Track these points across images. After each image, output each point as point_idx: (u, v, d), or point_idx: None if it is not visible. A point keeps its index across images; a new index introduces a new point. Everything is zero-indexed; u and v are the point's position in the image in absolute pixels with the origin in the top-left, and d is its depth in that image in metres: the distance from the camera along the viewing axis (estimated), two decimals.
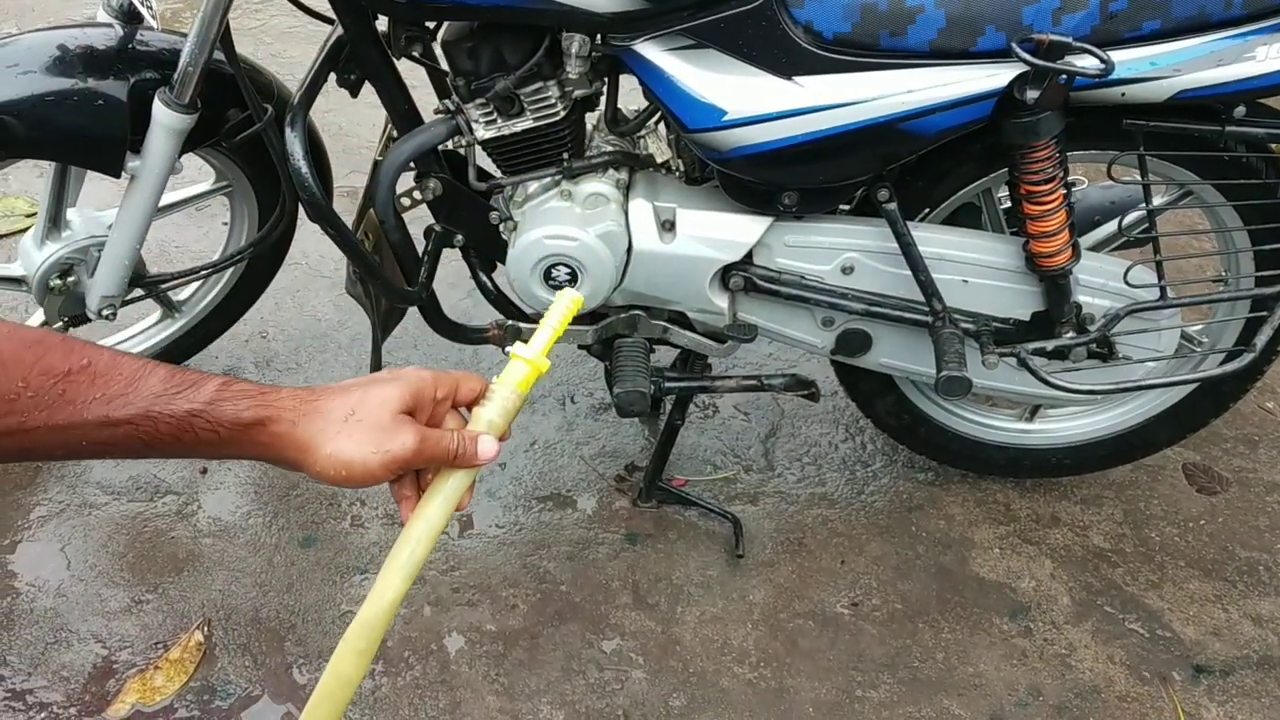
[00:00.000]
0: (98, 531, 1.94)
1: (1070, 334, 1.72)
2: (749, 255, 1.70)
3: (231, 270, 2.08)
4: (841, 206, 1.72)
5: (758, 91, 1.51)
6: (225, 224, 2.14)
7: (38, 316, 1.93)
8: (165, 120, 1.64)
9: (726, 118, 1.53)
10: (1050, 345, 1.71)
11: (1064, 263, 1.64)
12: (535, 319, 1.83)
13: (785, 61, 1.50)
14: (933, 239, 1.68)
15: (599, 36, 1.56)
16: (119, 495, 2.01)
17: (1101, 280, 1.71)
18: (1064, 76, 1.44)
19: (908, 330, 1.74)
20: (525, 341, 0.92)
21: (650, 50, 1.52)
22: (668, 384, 1.85)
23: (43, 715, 1.67)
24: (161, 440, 0.78)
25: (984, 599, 1.92)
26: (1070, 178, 1.64)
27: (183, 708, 1.69)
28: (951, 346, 1.66)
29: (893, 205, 1.63)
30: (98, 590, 1.84)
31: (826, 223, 1.70)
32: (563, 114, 1.63)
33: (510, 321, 1.82)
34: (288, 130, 1.54)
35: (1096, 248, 1.83)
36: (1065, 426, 2.04)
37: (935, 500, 2.09)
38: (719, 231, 1.69)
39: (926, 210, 1.71)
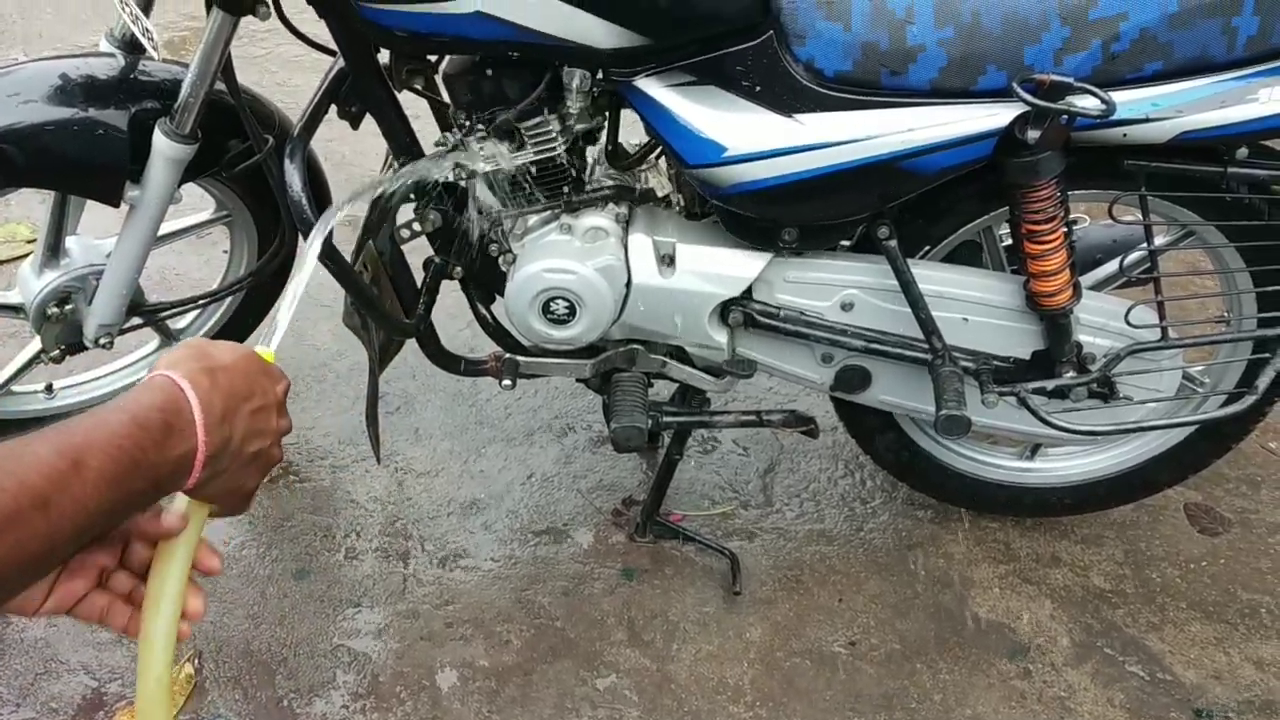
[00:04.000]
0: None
1: (1071, 373, 1.71)
2: (748, 291, 1.70)
3: (230, 299, 2.08)
4: (842, 243, 1.71)
5: (758, 128, 1.51)
6: (226, 252, 2.14)
7: (34, 345, 1.93)
8: (165, 150, 1.64)
9: (726, 154, 1.52)
10: (1050, 385, 1.70)
11: (1064, 302, 1.63)
12: (534, 351, 1.82)
13: (786, 99, 1.50)
14: (933, 276, 1.67)
15: (600, 71, 1.56)
16: None
17: (1102, 320, 1.70)
18: (1065, 117, 1.44)
19: (907, 367, 1.73)
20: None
21: (651, 86, 1.52)
22: (666, 418, 1.83)
23: None
24: None
25: (983, 639, 1.90)
26: (1071, 216, 1.63)
27: None
28: (951, 385, 1.65)
29: (893, 242, 1.62)
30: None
31: (826, 259, 1.69)
32: (563, 148, 1.63)
33: (508, 355, 1.81)
34: (286, 161, 1.54)
35: (1098, 287, 1.82)
36: (1066, 465, 2.03)
37: (935, 538, 2.07)
38: (718, 267, 1.68)
39: (927, 248, 1.71)
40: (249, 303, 2.11)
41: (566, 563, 1.99)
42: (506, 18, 1.44)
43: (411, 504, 2.08)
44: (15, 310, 1.88)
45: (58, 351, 1.87)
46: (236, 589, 1.90)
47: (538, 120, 1.60)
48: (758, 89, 1.50)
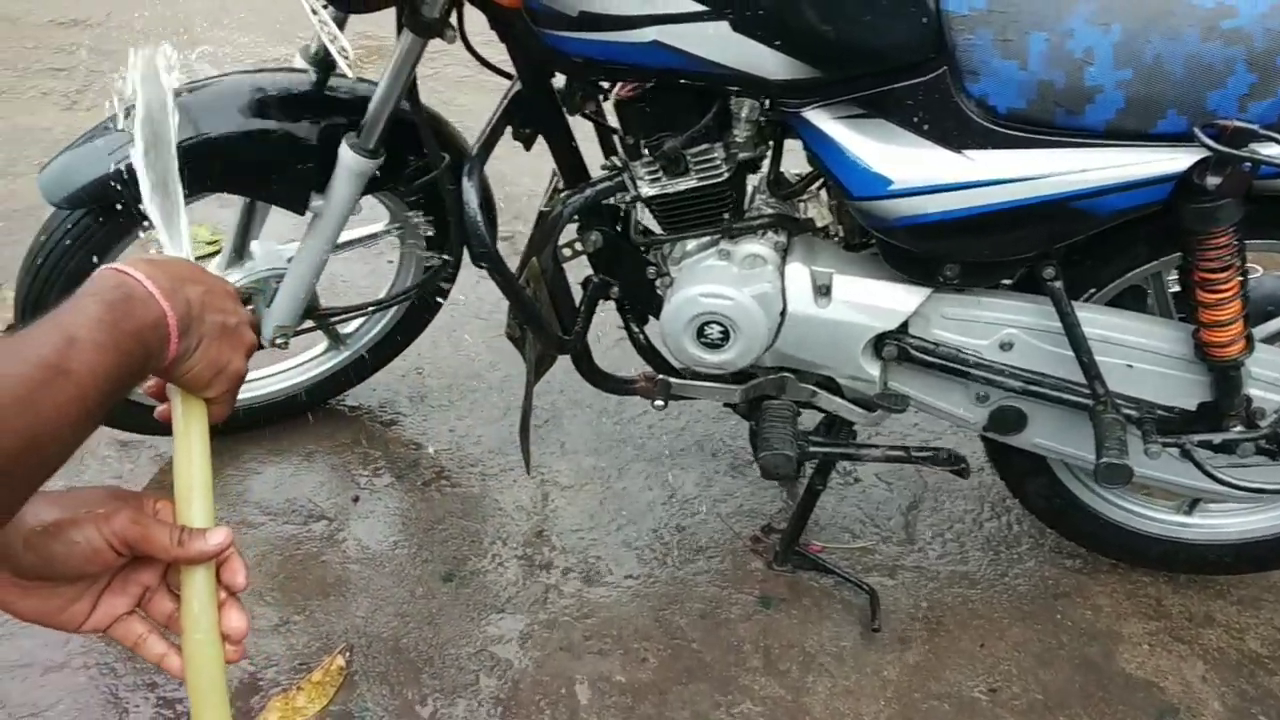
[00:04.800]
0: (253, 550, 2.02)
1: (1239, 428, 1.65)
2: (904, 325, 1.69)
3: (395, 308, 2.16)
4: (1003, 281, 1.70)
5: (926, 163, 1.51)
6: (391, 262, 2.23)
7: None
8: (350, 164, 1.73)
9: (892, 187, 1.53)
10: (1217, 439, 1.65)
11: (1236, 354, 1.58)
12: (685, 374, 1.85)
13: (956, 135, 1.49)
14: (1098, 320, 1.64)
15: (768, 101, 1.58)
16: (275, 516, 2.09)
17: (1275, 374, 1.64)
18: (1248, 164, 1.40)
19: (1066, 412, 1.70)
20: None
21: (819, 117, 1.54)
22: (811, 448, 1.84)
23: None
24: None
25: (1130, 696, 1.84)
26: (1246, 265, 1.58)
27: None
28: (1113, 433, 1.62)
29: (1058, 283, 1.60)
30: (265, 604, 1.92)
31: (987, 297, 1.68)
32: (726, 175, 1.66)
33: (660, 376, 1.84)
34: (464, 180, 1.60)
35: (1271, 340, 1.76)
36: (1225, 523, 1.95)
37: (1083, 589, 2.02)
38: (875, 299, 1.68)
39: (1092, 290, 1.68)
40: (412, 312, 2.19)
41: (704, 586, 2.00)
42: (683, 48, 1.48)
43: (556, 516, 2.13)
44: None
45: None
46: (388, 587, 1.97)
47: (704, 147, 1.63)
48: (927, 124, 1.50)
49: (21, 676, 1.79)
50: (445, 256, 2.02)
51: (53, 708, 1.75)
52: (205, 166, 1.71)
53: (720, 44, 1.47)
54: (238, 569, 0.87)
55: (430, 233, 2.03)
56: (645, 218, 1.79)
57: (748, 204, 1.76)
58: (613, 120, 1.71)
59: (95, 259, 1.77)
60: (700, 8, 1.44)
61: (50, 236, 1.77)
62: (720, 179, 1.66)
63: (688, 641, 1.91)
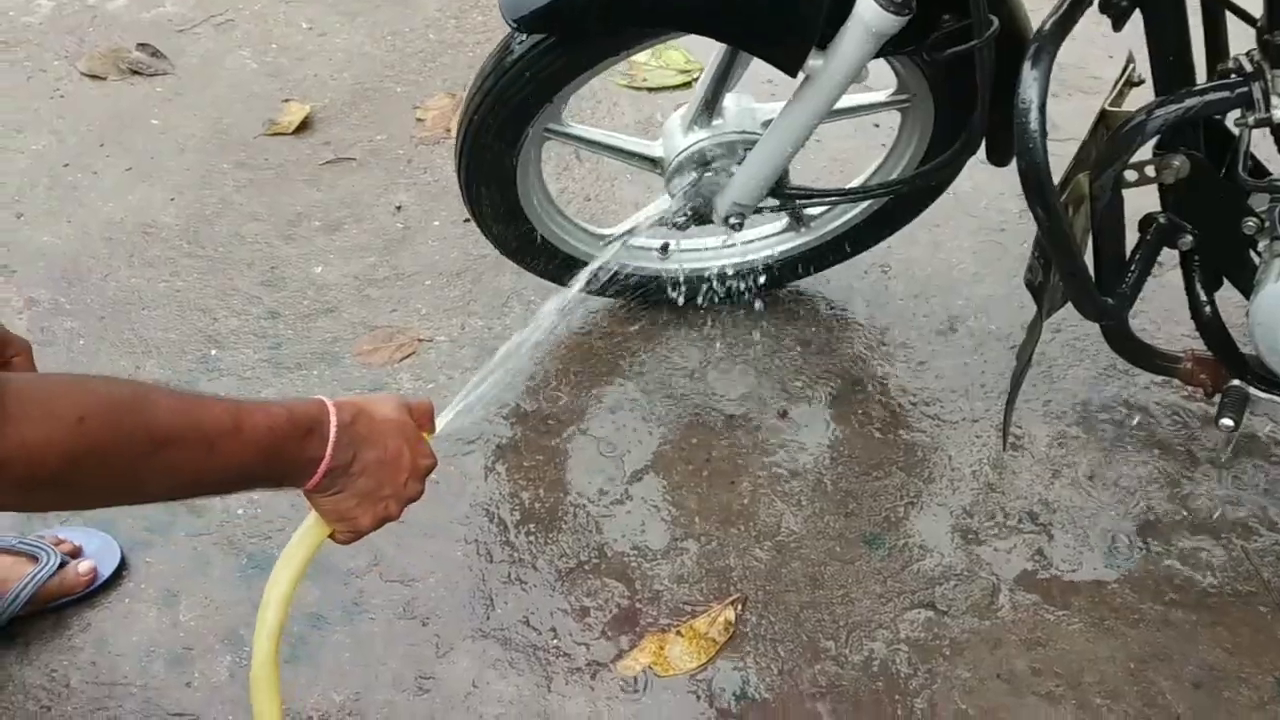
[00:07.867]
0: (657, 446, 1.76)
1: None
2: None
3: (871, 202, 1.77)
4: None
5: None
6: (884, 145, 1.81)
7: (662, 202, 1.74)
8: (870, 19, 1.30)
9: None
10: None
11: None
12: (1268, 380, 1.32)
13: None
14: None
15: None
16: (708, 412, 1.80)
17: None
18: None
19: None
20: None
21: None
22: None
23: (554, 642, 1.53)
24: None
25: None
26: None
27: (692, 689, 1.48)
28: None
29: None
30: (658, 519, 1.66)
31: None
32: None
33: (1234, 382, 1.33)
34: (1026, 67, 1.14)
35: None
36: None
37: None
38: None
39: None
40: (893, 204, 1.78)
41: (1207, 645, 1.50)
42: None
43: (1020, 494, 1.69)
44: (654, 163, 1.69)
45: (684, 218, 1.68)
46: (801, 536, 1.64)
47: None
48: None
49: (399, 533, 1.65)
50: (955, 146, 1.57)
51: (423, 580, 1.60)
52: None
53: None
54: None
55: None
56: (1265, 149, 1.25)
57: None
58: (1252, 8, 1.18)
59: (546, 94, 1.50)
60: None
61: (502, 59, 1.51)
62: None
63: (1170, 714, 1.44)
